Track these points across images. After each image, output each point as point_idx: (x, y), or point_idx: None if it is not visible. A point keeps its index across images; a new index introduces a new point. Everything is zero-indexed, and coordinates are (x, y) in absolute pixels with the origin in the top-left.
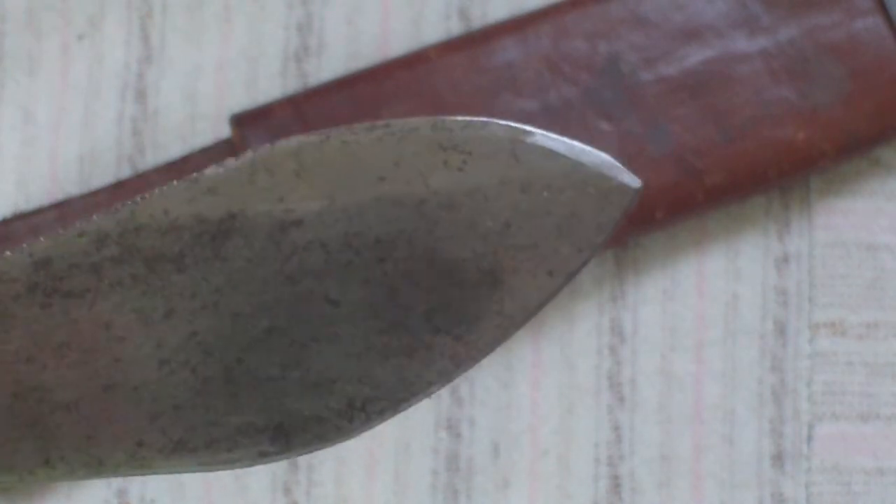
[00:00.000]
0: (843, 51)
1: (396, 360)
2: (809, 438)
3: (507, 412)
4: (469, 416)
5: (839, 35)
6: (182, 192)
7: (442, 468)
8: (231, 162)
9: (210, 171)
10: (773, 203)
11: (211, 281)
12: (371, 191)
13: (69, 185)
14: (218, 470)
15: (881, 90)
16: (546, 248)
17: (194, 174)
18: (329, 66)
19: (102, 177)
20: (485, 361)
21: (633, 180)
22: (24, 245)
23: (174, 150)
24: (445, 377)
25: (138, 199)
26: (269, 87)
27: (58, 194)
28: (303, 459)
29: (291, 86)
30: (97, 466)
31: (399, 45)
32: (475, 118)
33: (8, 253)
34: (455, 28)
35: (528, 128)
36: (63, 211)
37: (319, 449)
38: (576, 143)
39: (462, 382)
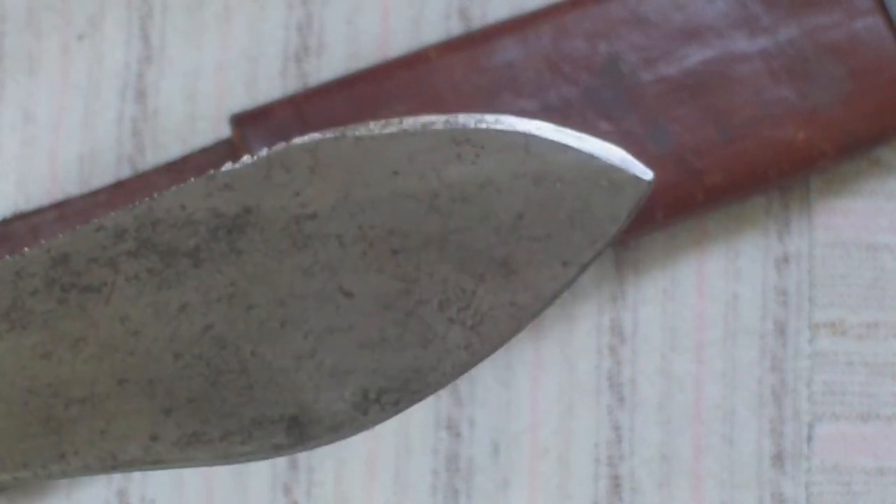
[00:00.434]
0: (843, 51)
1: (411, 351)
2: (809, 438)
3: (507, 412)
4: (469, 416)
5: (839, 35)
6: (198, 188)
7: (442, 468)
8: (247, 159)
9: (226, 167)
10: (773, 203)
11: (226, 274)
12: (385, 185)
13: (69, 185)
14: (232, 463)
15: (881, 90)
16: (559, 238)
17: (210, 171)
18: (329, 66)
19: (102, 177)
20: (484, 361)
21: (644, 172)
22: (43, 242)
23: (174, 150)
24: (460, 368)
25: (156, 195)
26: (269, 87)
27: (58, 194)
28: (303, 459)
29: (291, 86)
30: (111, 461)
31: (399, 45)
32: (488, 114)
33: (26, 250)
34: (455, 28)
35: (540, 122)
36: (63, 211)
37: (334, 441)
38: (588, 137)
39: (462, 382)
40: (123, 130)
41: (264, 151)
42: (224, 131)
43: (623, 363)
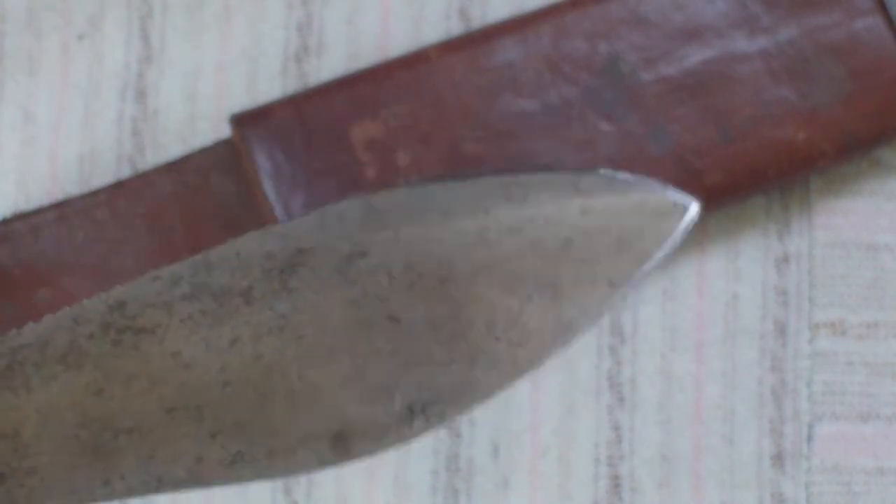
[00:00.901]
0: (843, 51)
1: (458, 367)
2: (809, 438)
3: (507, 412)
4: (469, 416)
5: (839, 35)
6: (254, 238)
7: (442, 468)
8: (302, 213)
9: (282, 223)
10: (773, 203)
11: (276, 310)
12: (435, 223)
13: (69, 185)
14: (278, 479)
15: (881, 90)
16: (606, 261)
17: (267, 225)
18: (329, 66)
19: (102, 177)
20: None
21: (689, 201)
22: (101, 293)
23: (174, 150)
24: (507, 380)
25: (212, 248)
26: (269, 87)
27: (58, 194)
28: None
29: (291, 86)
30: (156, 483)
31: (399, 45)
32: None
33: (85, 301)
34: (455, 28)
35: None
36: (63, 211)
37: (379, 451)
38: (634, 175)
39: None
40: (123, 130)
41: (321, 206)
42: (224, 131)
43: (623, 363)
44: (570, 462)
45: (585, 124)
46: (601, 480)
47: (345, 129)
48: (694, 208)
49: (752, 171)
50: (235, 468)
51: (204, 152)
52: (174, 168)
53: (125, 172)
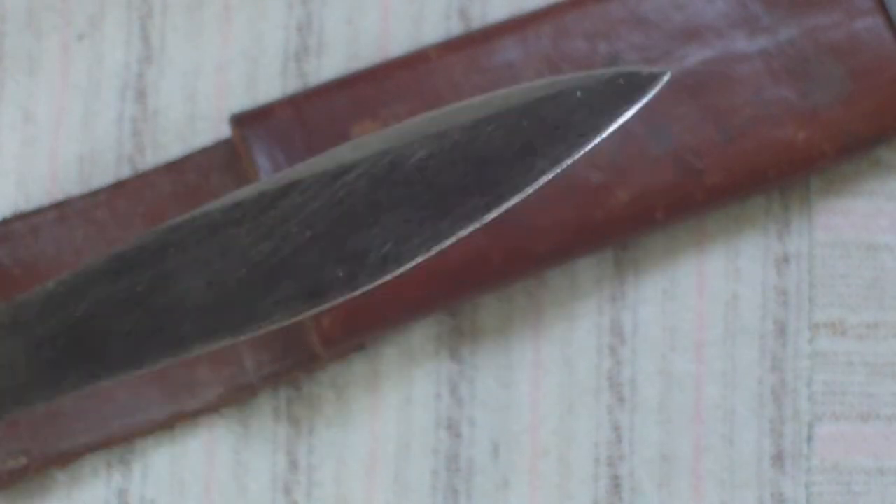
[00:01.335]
0: (843, 51)
1: (430, 222)
2: (809, 438)
3: (507, 412)
4: (469, 416)
5: (839, 35)
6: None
7: (442, 468)
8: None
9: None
10: (773, 203)
11: (265, 223)
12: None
13: (69, 185)
14: (250, 335)
15: (881, 90)
16: (577, 118)
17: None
18: (329, 66)
19: (102, 177)
20: (484, 362)
21: (659, 69)
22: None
23: (174, 150)
24: (477, 220)
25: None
26: (269, 87)
27: (58, 194)
28: (303, 459)
29: (291, 86)
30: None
31: (399, 45)
32: None
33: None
34: (455, 28)
35: None
36: (63, 211)
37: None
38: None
39: (462, 382)
40: (123, 130)
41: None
42: (224, 131)
43: (623, 363)
44: (570, 462)
45: None
46: (601, 480)
47: (345, 128)
48: (663, 74)
49: (752, 171)
50: (212, 336)
51: (204, 152)
52: (174, 168)
53: (125, 172)
